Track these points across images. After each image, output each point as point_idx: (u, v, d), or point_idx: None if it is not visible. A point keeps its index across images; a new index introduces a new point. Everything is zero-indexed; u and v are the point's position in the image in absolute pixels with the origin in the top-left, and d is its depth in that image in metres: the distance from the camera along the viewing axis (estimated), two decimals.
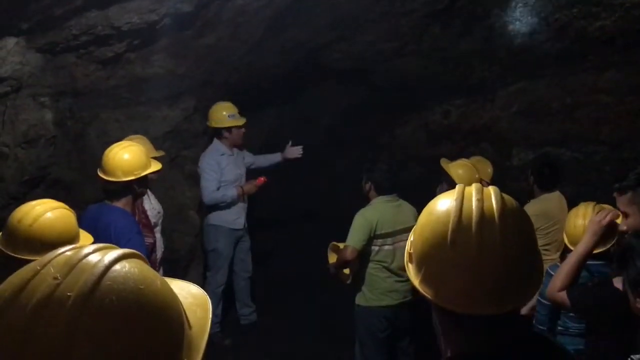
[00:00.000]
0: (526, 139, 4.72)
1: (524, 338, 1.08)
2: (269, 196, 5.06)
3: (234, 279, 4.63)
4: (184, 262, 4.65)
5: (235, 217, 4.43)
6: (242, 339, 4.50)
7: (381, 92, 5.71)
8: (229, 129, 4.34)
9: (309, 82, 5.73)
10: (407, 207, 3.47)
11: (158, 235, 3.50)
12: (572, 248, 2.44)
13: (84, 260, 0.69)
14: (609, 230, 2.22)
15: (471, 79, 4.82)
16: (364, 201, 3.48)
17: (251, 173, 4.67)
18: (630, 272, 1.74)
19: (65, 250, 0.72)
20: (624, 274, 1.79)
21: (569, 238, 2.56)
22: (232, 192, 4.29)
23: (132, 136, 3.52)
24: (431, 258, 1.04)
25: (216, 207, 4.36)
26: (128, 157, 2.75)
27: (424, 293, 1.05)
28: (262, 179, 4.39)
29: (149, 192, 3.36)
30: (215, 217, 4.41)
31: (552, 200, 3.52)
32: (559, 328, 2.53)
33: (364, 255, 3.34)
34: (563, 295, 2.21)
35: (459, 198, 1.04)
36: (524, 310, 2.83)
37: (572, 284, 2.23)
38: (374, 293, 3.39)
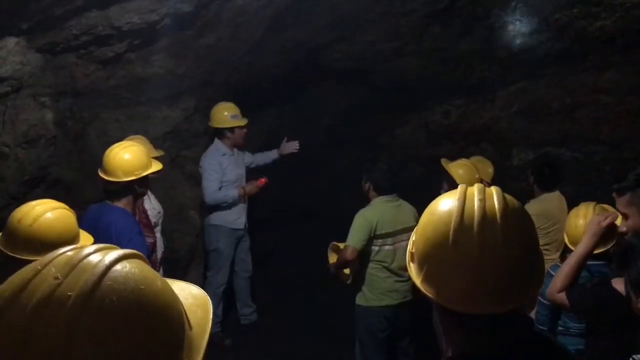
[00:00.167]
0: (526, 139, 4.72)
1: (525, 338, 1.08)
2: (269, 196, 5.06)
3: (234, 279, 4.64)
4: (184, 262, 4.65)
5: (236, 217, 4.44)
6: (242, 339, 4.50)
7: (381, 92, 5.71)
8: (231, 129, 4.36)
9: (309, 82, 5.72)
10: (407, 207, 3.47)
11: (158, 235, 3.50)
12: (572, 248, 2.43)
13: (84, 260, 0.69)
14: (609, 231, 2.22)
15: (471, 79, 4.82)
16: (364, 201, 3.48)
17: (251, 173, 4.68)
18: (632, 272, 1.73)
19: (67, 250, 0.72)
20: (625, 275, 1.79)
21: (569, 238, 2.56)
22: (233, 193, 4.30)
23: (132, 136, 3.52)
24: (433, 257, 1.04)
25: (217, 207, 4.37)
26: (129, 157, 2.75)
27: (426, 292, 1.05)
28: (263, 179, 4.41)
29: (149, 192, 3.36)
30: (216, 217, 4.42)
31: (552, 200, 3.52)
32: (560, 328, 2.53)
33: (364, 255, 3.34)
34: (563, 296, 2.21)
35: (461, 198, 1.04)
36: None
37: (572, 285, 2.23)
38: (374, 293, 3.39)
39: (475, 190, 1.06)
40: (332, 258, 3.48)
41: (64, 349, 0.62)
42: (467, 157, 3.85)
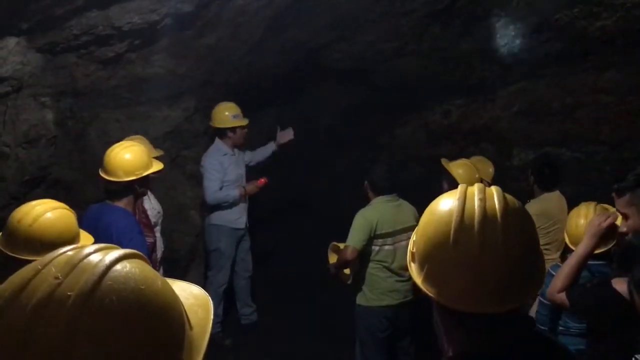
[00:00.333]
0: (526, 139, 4.72)
1: (526, 337, 1.08)
2: (270, 196, 5.06)
3: (234, 278, 4.64)
4: (185, 262, 4.65)
5: (237, 217, 4.46)
6: (242, 338, 4.50)
7: (381, 92, 5.71)
8: (233, 129, 4.37)
9: (309, 82, 5.72)
10: (407, 207, 3.47)
11: (158, 235, 3.50)
12: (573, 248, 2.43)
13: (85, 260, 0.69)
14: (610, 231, 2.21)
15: (471, 79, 4.82)
16: (364, 201, 3.48)
17: (251, 173, 4.68)
18: (635, 273, 1.73)
19: (67, 250, 0.72)
20: (629, 275, 1.79)
21: (570, 238, 2.56)
22: (234, 193, 4.32)
23: (131, 137, 3.52)
24: (434, 257, 1.05)
25: (218, 207, 4.38)
26: (130, 157, 2.75)
27: (427, 292, 1.05)
28: (263, 179, 4.42)
29: (148, 192, 3.36)
30: (217, 217, 4.42)
31: (552, 200, 3.52)
32: (560, 328, 2.53)
33: (364, 255, 3.34)
34: (563, 296, 2.21)
35: (462, 198, 1.05)
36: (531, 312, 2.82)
37: (572, 285, 2.23)
38: (375, 293, 3.39)
39: (475, 190, 1.06)
40: (332, 258, 3.48)
41: (64, 348, 0.62)
42: (468, 157, 3.85)
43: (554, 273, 2.40)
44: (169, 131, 4.40)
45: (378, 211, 3.34)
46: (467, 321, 1.03)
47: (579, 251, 2.23)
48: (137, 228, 2.79)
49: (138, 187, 2.82)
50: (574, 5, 3.56)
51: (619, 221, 2.19)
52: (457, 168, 3.53)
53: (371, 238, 3.29)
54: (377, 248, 3.34)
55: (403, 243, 3.33)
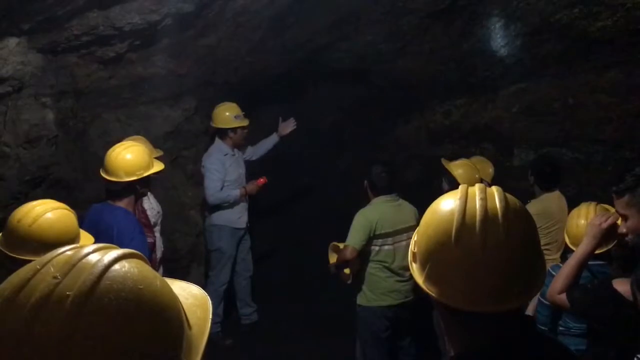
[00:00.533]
0: (527, 139, 4.71)
1: (527, 337, 1.08)
2: (269, 195, 5.07)
3: (235, 278, 4.65)
4: (185, 262, 4.66)
5: (238, 217, 4.47)
6: (242, 338, 4.50)
7: (382, 92, 5.71)
8: (234, 129, 4.38)
9: (309, 82, 5.72)
10: (407, 207, 3.47)
11: (157, 235, 3.50)
12: (573, 248, 2.43)
13: (83, 260, 0.69)
14: (610, 231, 2.20)
15: (472, 79, 4.82)
16: (365, 201, 3.48)
17: (251, 172, 4.68)
18: (638, 273, 1.73)
19: (66, 250, 0.72)
20: (632, 276, 1.78)
21: (570, 238, 2.55)
22: (235, 193, 4.35)
23: (132, 137, 3.52)
24: (435, 257, 1.05)
25: (219, 207, 4.40)
26: (131, 157, 2.75)
27: (429, 291, 1.05)
28: (263, 179, 4.43)
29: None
30: (218, 217, 4.43)
31: (553, 200, 3.52)
32: (561, 328, 2.53)
33: (364, 255, 3.34)
34: (563, 297, 2.20)
35: (463, 197, 1.05)
36: (529, 311, 2.82)
37: (572, 286, 2.22)
38: (375, 293, 3.39)
39: (476, 190, 1.07)
40: (333, 258, 3.48)
41: (62, 348, 0.62)
42: (468, 157, 3.85)
43: (554, 273, 2.40)
44: (169, 131, 4.40)
45: (378, 211, 3.34)
46: (468, 321, 1.03)
47: (579, 252, 2.23)
48: (139, 228, 2.79)
49: (139, 188, 2.82)
50: (574, 5, 3.56)
51: (619, 221, 2.19)
52: (458, 168, 3.53)
53: (371, 238, 3.29)
54: (377, 248, 3.34)
55: (403, 243, 3.33)
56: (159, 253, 3.49)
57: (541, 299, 2.60)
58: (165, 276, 0.83)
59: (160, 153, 3.73)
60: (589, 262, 2.27)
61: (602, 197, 2.60)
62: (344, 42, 4.69)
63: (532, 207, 3.38)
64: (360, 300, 3.45)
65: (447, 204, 1.07)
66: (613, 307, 1.98)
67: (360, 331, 3.49)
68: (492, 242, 0.99)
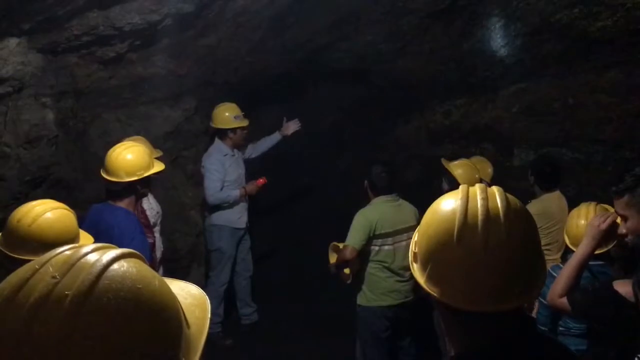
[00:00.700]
0: (527, 139, 4.71)
1: (527, 337, 1.08)
2: (269, 195, 5.07)
3: (235, 278, 4.65)
4: (185, 262, 4.66)
5: (238, 217, 4.47)
6: (242, 338, 4.50)
7: (382, 92, 5.71)
8: (233, 129, 4.38)
9: (309, 82, 5.72)
10: (407, 207, 3.47)
11: (157, 235, 3.51)
12: (573, 249, 2.42)
13: (82, 260, 0.69)
14: (610, 231, 2.20)
15: (472, 79, 4.82)
16: (365, 201, 3.48)
17: (251, 172, 4.69)
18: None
19: (65, 250, 0.72)
20: (634, 277, 1.78)
21: (570, 239, 2.55)
22: (235, 193, 4.35)
23: (132, 137, 3.52)
24: (436, 257, 1.05)
25: (219, 207, 4.40)
26: (131, 157, 2.75)
27: (430, 291, 1.05)
28: (263, 180, 4.44)
29: None
30: (218, 217, 4.44)
31: (553, 200, 3.52)
32: (561, 328, 2.52)
33: (364, 255, 3.34)
34: (564, 301, 2.18)
35: (464, 197, 1.05)
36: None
37: (573, 288, 2.21)
38: (375, 293, 3.39)
39: (477, 189, 1.07)
40: (332, 258, 3.48)
41: (61, 347, 0.62)
42: (468, 157, 3.85)
43: (554, 274, 2.39)
44: (169, 131, 4.41)
45: (378, 211, 3.34)
46: (469, 321, 1.03)
47: (578, 253, 2.22)
48: (139, 228, 2.80)
49: (140, 188, 2.82)
50: (574, 5, 3.56)
51: (619, 221, 2.18)
52: (458, 168, 3.53)
53: (371, 238, 3.29)
54: (376, 248, 3.34)
55: (403, 243, 3.33)
56: (158, 253, 3.49)
57: (541, 300, 2.60)
58: (166, 276, 0.83)
59: (160, 153, 3.73)
60: (590, 262, 2.27)
61: (602, 197, 2.60)
62: (344, 42, 4.69)
63: (533, 207, 3.38)
64: (360, 300, 3.45)
65: (448, 204, 1.07)
66: (614, 307, 1.98)
67: (360, 331, 3.49)
68: (493, 242, 0.99)
